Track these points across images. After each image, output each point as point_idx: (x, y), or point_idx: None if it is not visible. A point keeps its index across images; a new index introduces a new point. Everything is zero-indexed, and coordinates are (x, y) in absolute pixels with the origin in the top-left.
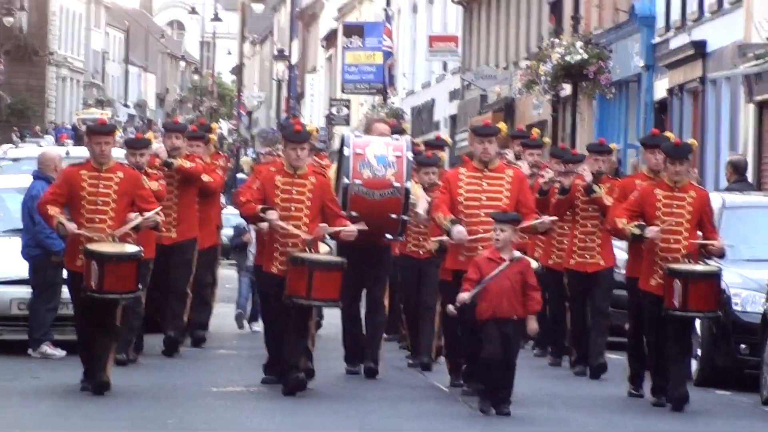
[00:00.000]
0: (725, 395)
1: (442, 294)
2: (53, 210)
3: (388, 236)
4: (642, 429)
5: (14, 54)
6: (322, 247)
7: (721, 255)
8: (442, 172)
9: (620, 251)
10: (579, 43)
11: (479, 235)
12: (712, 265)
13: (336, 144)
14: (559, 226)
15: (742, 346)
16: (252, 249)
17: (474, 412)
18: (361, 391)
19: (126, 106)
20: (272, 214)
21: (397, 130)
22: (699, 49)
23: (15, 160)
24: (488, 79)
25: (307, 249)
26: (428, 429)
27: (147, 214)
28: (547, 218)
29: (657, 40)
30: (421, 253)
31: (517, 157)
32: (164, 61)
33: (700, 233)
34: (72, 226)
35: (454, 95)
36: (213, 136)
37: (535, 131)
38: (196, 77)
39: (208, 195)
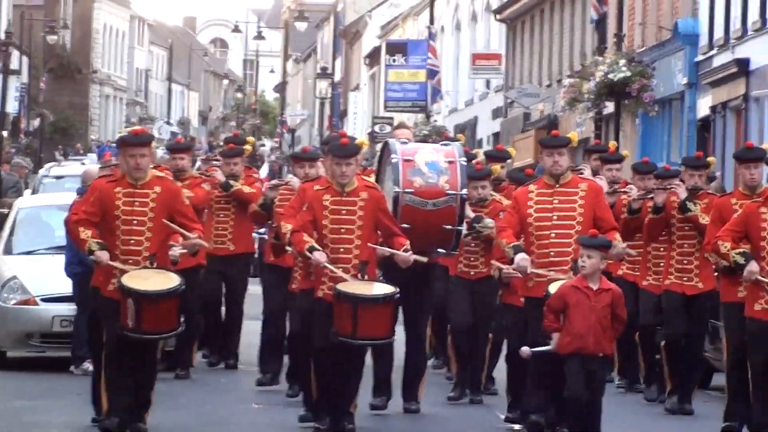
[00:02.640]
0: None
1: (508, 319)
2: (85, 233)
3: (440, 251)
4: None
5: (57, 72)
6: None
7: None
8: (504, 187)
9: None
10: (622, 61)
11: (543, 271)
12: None
13: None
14: (654, 247)
15: None
16: None
17: None
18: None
19: (169, 124)
20: (319, 257)
21: (451, 139)
22: (742, 66)
23: (58, 177)
24: (531, 96)
25: (359, 275)
26: None
27: (191, 239)
28: (621, 246)
29: (700, 57)
30: (472, 273)
31: (595, 173)
32: (207, 79)
33: None
34: (104, 257)
35: (497, 113)
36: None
37: (613, 144)
38: (239, 95)
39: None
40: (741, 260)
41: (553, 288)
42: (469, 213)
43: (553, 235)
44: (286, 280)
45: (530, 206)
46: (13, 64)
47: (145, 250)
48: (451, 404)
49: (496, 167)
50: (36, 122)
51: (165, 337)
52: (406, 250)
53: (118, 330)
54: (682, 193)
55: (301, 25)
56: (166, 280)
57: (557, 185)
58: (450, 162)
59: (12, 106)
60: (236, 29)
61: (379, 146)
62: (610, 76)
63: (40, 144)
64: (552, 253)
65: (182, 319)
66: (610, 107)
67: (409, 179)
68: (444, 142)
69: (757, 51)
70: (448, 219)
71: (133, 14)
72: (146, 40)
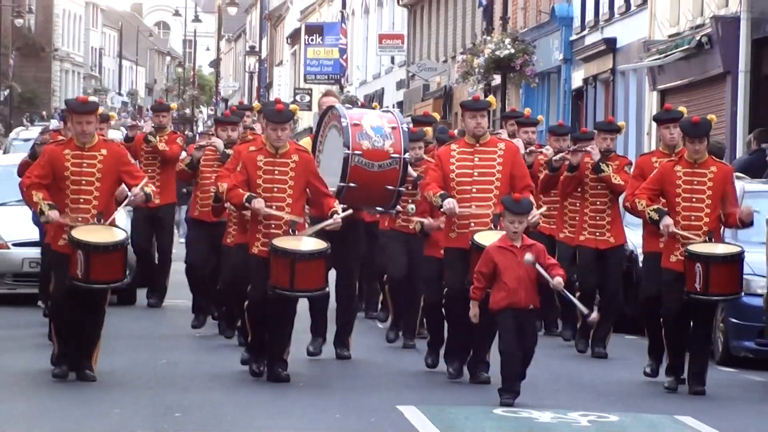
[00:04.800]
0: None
1: (425, 269)
2: (37, 196)
3: (379, 209)
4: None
5: (24, 50)
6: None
7: (749, 221)
8: (431, 148)
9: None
10: (507, 40)
11: (469, 210)
12: (734, 245)
13: (300, 126)
14: (571, 202)
15: None
16: None
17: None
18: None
19: (120, 94)
20: (258, 203)
21: (366, 108)
22: (610, 45)
23: (26, 140)
24: (430, 71)
25: (290, 231)
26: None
27: (134, 190)
28: (536, 213)
29: (574, 37)
30: (410, 227)
31: (512, 137)
32: (152, 56)
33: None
34: (54, 214)
35: (400, 85)
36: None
37: (528, 110)
38: (179, 70)
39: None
40: (655, 216)
41: (479, 238)
42: (412, 173)
43: (474, 190)
44: (209, 233)
45: (452, 163)
46: None
47: (93, 208)
48: (387, 347)
49: (428, 130)
50: (5, 93)
51: (112, 286)
52: (334, 212)
53: (68, 281)
54: (596, 155)
55: (232, 10)
56: (113, 234)
57: (478, 144)
58: (393, 128)
59: None
60: (177, 13)
61: (299, 114)
62: (497, 53)
63: (9, 112)
64: (474, 207)
65: (127, 271)
66: (497, 80)
67: (358, 142)
68: (384, 109)
69: (623, 31)
70: (390, 180)
71: (88, 0)
72: (99, 23)
